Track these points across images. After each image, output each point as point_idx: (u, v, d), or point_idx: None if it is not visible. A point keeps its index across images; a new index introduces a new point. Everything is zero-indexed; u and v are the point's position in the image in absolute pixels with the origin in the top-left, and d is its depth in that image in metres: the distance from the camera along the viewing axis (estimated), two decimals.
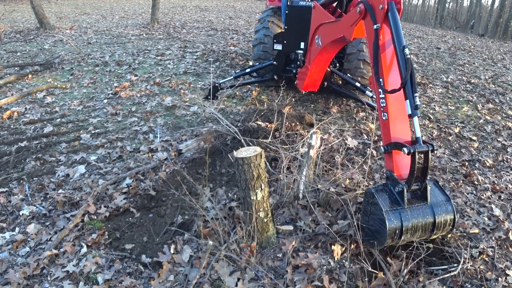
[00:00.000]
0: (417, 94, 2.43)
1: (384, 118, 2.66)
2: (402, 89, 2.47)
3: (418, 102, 2.41)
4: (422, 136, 2.49)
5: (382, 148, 2.63)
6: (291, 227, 2.82)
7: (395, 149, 2.51)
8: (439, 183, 2.60)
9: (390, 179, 2.53)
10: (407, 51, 2.46)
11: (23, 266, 2.62)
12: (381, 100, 2.67)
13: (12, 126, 4.85)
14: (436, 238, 2.80)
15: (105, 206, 3.23)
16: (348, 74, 5.51)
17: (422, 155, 2.38)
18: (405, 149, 2.36)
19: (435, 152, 4.50)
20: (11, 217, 3.16)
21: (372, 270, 2.45)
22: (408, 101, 2.46)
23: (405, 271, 2.48)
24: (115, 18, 15.04)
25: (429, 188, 2.46)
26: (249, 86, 6.36)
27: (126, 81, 6.68)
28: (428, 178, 2.44)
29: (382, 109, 2.67)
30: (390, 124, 2.60)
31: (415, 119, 2.44)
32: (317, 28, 4.25)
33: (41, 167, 3.91)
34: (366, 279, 2.44)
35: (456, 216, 2.50)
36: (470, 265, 2.69)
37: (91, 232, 2.96)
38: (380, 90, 2.65)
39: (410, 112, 2.46)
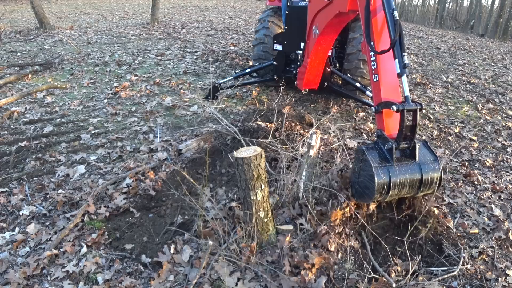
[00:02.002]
0: (405, 54, 2.55)
1: (375, 80, 2.79)
2: (391, 50, 2.58)
3: (406, 61, 2.52)
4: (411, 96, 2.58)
5: (373, 108, 2.75)
6: (291, 227, 2.82)
7: (385, 108, 2.61)
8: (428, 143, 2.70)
9: (380, 137, 2.61)
10: (396, 13, 2.59)
11: (23, 266, 2.62)
12: (372, 63, 2.81)
13: (12, 126, 4.85)
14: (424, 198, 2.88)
15: (105, 206, 3.23)
16: (348, 74, 5.51)
17: (411, 114, 2.47)
18: (394, 106, 2.47)
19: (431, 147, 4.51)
20: (11, 217, 3.16)
21: (374, 275, 2.45)
22: (397, 60, 2.57)
23: (409, 274, 2.48)
24: (115, 18, 15.05)
25: (417, 147, 2.53)
26: (249, 86, 6.36)
27: (126, 81, 6.69)
28: (417, 138, 2.54)
29: (373, 71, 2.80)
30: (380, 85, 2.72)
31: (404, 78, 2.54)
32: (313, 18, 4.26)
33: (41, 167, 3.90)
34: (366, 279, 2.44)
35: (442, 175, 2.58)
36: (470, 265, 2.70)
37: (91, 232, 2.96)
38: (371, 53, 2.78)
39: (399, 71, 2.56)
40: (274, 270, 2.49)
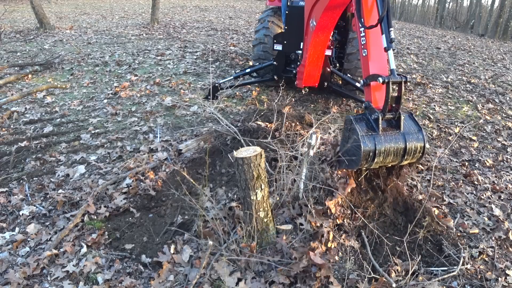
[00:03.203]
0: (392, 29, 2.69)
1: (364, 54, 2.93)
2: (379, 25, 2.71)
3: (392, 36, 2.67)
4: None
5: (361, 81, 2.87)
6: (290, 227, 2.82)
7: (373, 81, 2.73)
8: (414, 115, 2.81)
9: (368, 108, 2.74)
10: None
11: (23, 266, 2.62)
12: (361, 38, 2.94)
13: (12, 126, 4.85)
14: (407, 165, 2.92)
15: (105, 206, 3.23)
16: (348, 74, 5.51)
17: (397, 86, 2.59)
18: (380, 78, 2.60)
19: (431, 147, 4.51)
20: (11, 217, 3.16)
21: (374, 275, 2.45)
22: (384, 35, 2.71)
23: (409, 274, 2.48)
24: (115, 18, 15.05)
25: (402, 118, 2.64)
26: (249, 86, 6.36)
27: (126, 81, 6.69)
28: (404, 110, 2.66)
29: (362, 46, 2.94)
30: (369, 59, 2.85)
31: (390, 52, 2.68)
32: (311, 11, 4.29)
33: (41, 167, 3.90)
34: (366, 279, 2.44)
35: (426, 145, 2.68)
36: (470, 265, 2.69)
37: (91, 232, 2.96)
38: (361, 28, 2.92)
39: (385, 45, 2.70)
40: (280, 260, 2.49)
